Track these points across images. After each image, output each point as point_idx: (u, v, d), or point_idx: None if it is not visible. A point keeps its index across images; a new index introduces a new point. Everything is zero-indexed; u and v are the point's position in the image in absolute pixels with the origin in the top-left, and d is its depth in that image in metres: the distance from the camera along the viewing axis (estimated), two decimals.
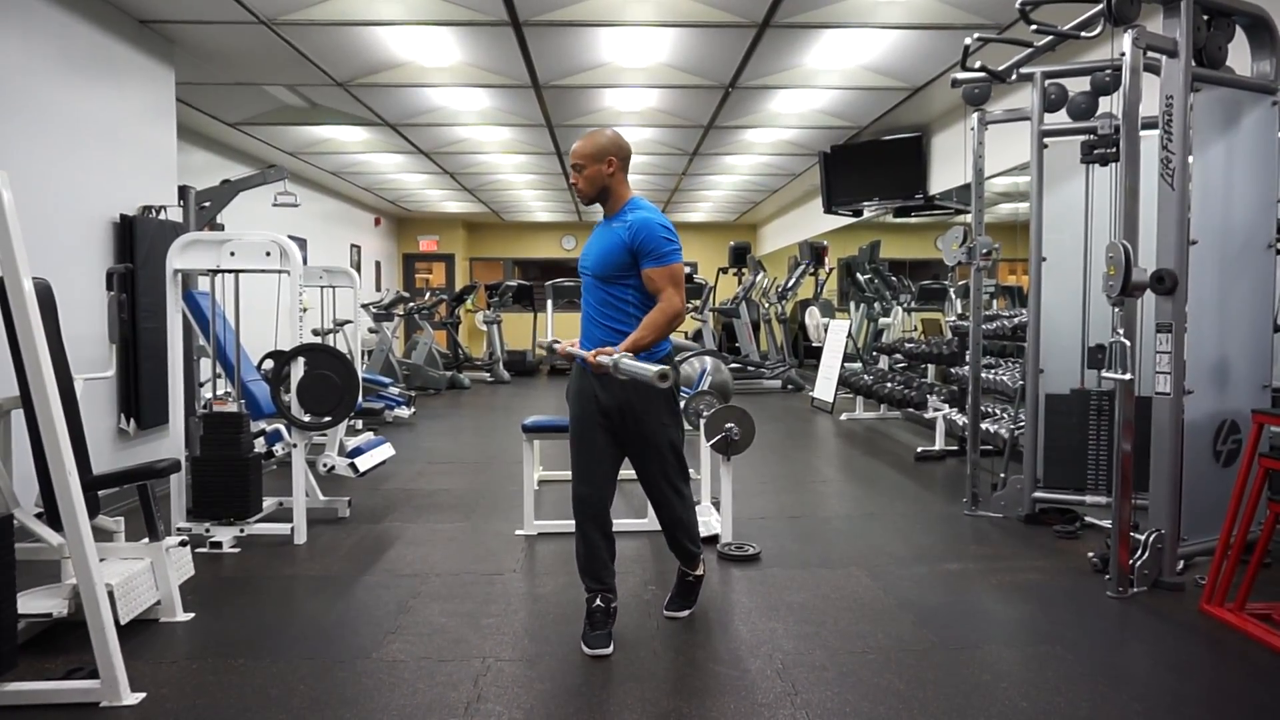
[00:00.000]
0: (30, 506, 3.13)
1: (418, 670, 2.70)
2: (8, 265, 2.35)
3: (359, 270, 12.77)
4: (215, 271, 4.20)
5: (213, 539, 3.97)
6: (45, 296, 2.88)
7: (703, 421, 3.98)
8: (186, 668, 2.74)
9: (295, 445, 4.17)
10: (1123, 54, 3.37)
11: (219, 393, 4.46)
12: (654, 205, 2.92)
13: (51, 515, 2.89)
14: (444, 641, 2.94)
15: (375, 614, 3.22)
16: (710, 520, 4.15)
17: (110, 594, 2.70)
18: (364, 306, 10.18)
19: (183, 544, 3.34)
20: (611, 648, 2.82)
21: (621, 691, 2.55)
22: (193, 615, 3.16)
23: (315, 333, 7.83)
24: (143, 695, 2.49)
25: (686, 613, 3.15)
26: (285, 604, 3.39)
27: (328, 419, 4.23)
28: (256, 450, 4.24)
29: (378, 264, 14.99)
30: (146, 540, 3.11)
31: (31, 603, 2.74)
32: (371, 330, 10.77)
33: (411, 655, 2.82)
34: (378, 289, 14.33)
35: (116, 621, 2.61)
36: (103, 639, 2.43)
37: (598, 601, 2.89)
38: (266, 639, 3.00)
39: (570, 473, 2.94)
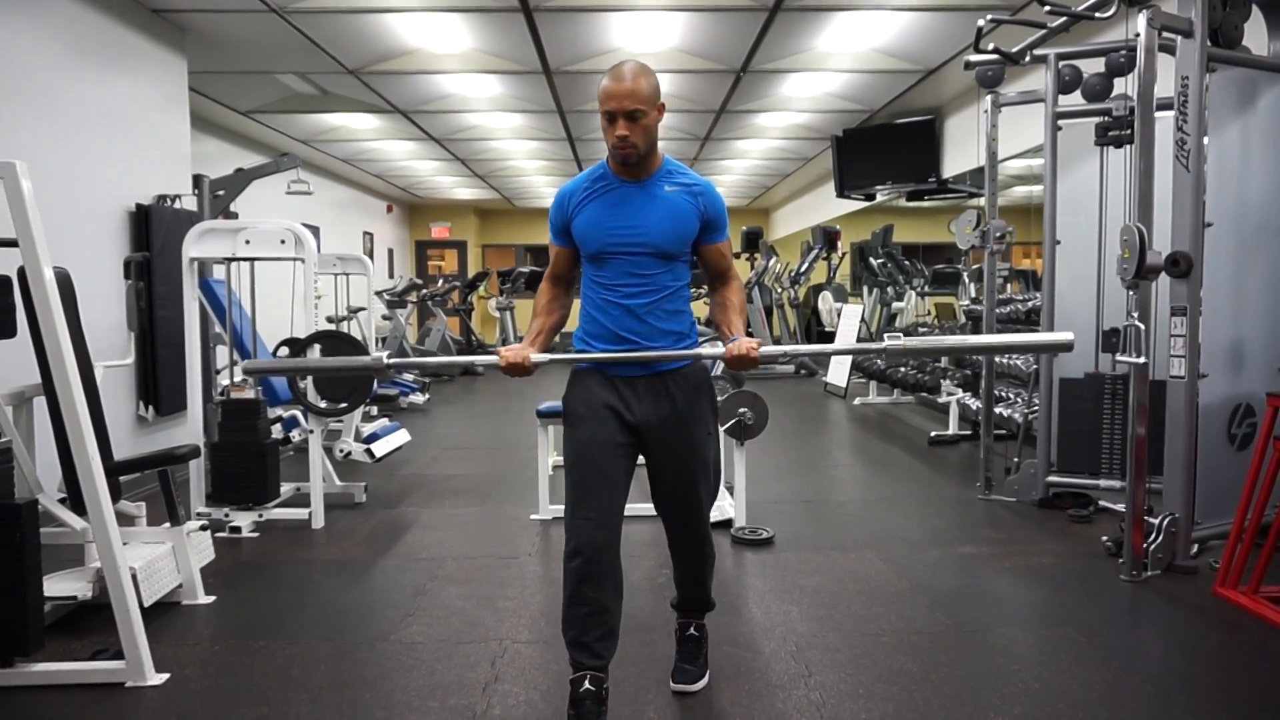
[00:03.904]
0: (53, 492, 3.18)
1: (436, 651, 2.74)
2: (29, 254, 2.39)
3: (371, 257, 12.82)
4: (230, 260, 4.23)
5: (232, 524, 4.02)
6: (65, 285, 2.91)
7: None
8: (209, 649, 2.79)
9: (312, 431, 4.21)
10: (1137, 35, 3.34)
11: (236, 379, 4.50)
12: None
13: (74, 500, 2.93)
14: (461, 624, 2.97)
15: (393, 597, 3.26)
16: (724, 505, 4.17)
17: (133, 577, 2.74)
18: (377, 293, 10.22)
19: (203, 528, 3.39)
20: None
21: (637, 673, 2.58)
22: (214, 598, 3.20)
23: (330, 319, 7.87)
24: (166, 676, 2.53)
25: (702, 683, 2.46)
26: (304, 587, 3.44)
27: (344, 405, 4.27)
28: (274, 436, 4.29)
29: (390, 251, 15.04)
30: (168, 525, 3.15)
31: (57, 586, 2.79)
32: (385, 317, 10.82)
33: (430, 637, 2.86)
34: (390, 276, 14.38)
35: (140, 604, 2.65)
36: (127, 620, 2.47)
37: (587, 684, 2.16)
38: (286, 621, 3.04)
39: (566, 508, 2.26)
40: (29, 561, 2.43)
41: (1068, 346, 2.15)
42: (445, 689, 2.48)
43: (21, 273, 2.67)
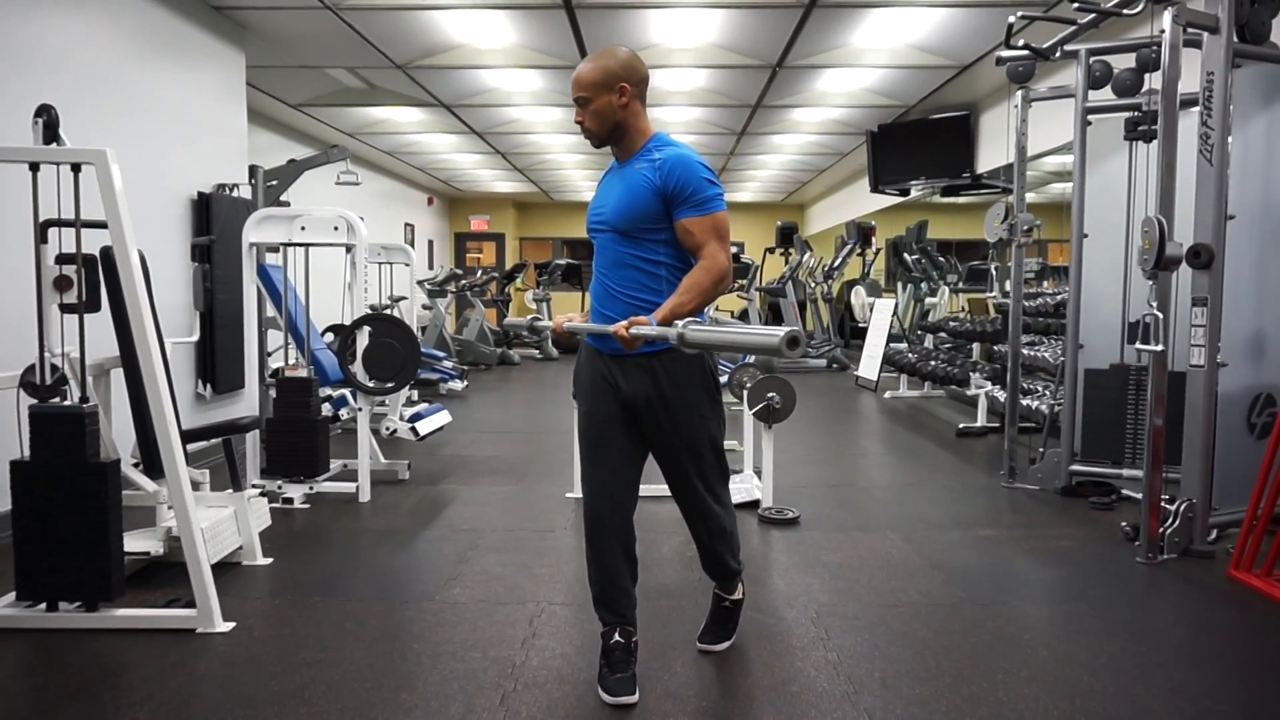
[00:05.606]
0: (126, 459, 3.42)
1: (478, 611, 2.93)
2: (116, 236, 2.61)
3: (412, 248, 13.11)
4: (286, 245, 4.47)
5: (285, 495, 4.25)
6: (142, 266, 3.14)
7: (745, 391, 4.15)
8: (269, 603, 3.01)
9: (360, 410, 4.43)
10: (1163, 30, 3.43)
11: (289, 360, 4.74)
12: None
13: (148, 465, 3.18)
14: (501, 587, 3.17)
15: (436, 563, 3.46)
16: (751, 486, 4.32)
17: (201, 535, 2.96)
18: (419, 283, 10.50)
19: (261, 495, 3.62)
20: (637, 695, 2.29)
21: (665, 634, 2.74)
22: (271, 560, 3.43)
23: (372, 307, 8.12)
24: (233, 624, 2.75)
25: (725, 645, 2.63)
26: (354, 553, 3.66)
27: (391, 384, 4.48)
28: (324, 414, 4.52)
29: (430, 242, 15.35)
30: (230, 490, 3.38)
31: (132, 542, 3.02)
32: (425, 306, 11.09)
33: (471, 598, 3.05)
34: (430, 267, 14.68)
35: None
36: (199, 573, 2.70)
37: (616, 637, 2.34)
38: (339, 582, 3.26)
39: (581, 481, 2.44)
40: (112, 516, 2.66)
41: (774, 348, 1.72)
42: (487, 643, 2.67)
43: (102, 253, 2.91)
